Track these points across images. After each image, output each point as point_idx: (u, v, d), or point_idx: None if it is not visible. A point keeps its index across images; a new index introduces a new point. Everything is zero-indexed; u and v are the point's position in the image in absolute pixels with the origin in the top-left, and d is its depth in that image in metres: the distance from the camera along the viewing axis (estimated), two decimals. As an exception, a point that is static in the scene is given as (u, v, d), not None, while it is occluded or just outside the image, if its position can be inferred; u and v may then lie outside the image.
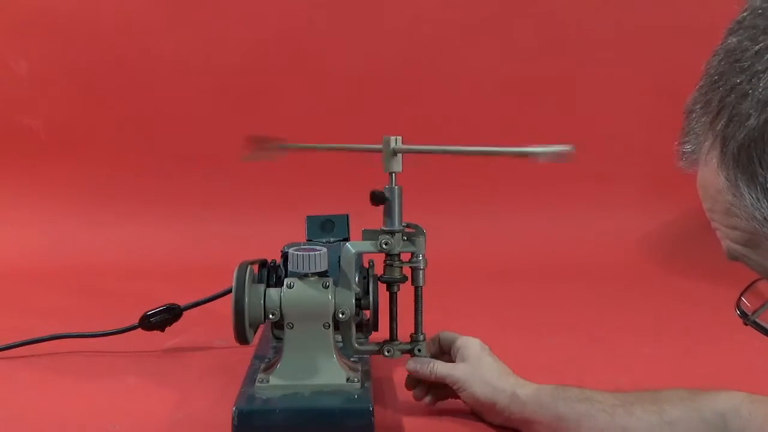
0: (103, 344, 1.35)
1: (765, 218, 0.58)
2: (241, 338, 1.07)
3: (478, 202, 2.10)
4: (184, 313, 1.32)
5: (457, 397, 1.12)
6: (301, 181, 2.02)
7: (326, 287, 1.05)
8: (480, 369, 1.06)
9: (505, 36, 2.14)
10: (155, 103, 2.10)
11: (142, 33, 2.10)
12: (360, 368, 1.10)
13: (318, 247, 1.07)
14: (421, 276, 1.07)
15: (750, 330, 0.68)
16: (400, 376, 1.17)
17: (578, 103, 2.15)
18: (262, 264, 1.14)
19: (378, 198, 1.03)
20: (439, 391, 1.12)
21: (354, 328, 1.08)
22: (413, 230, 1.06)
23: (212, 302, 1.31)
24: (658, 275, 1.92)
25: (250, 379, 1.08)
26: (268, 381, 1.06)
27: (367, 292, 1.09)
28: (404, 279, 1.07)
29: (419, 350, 1.09)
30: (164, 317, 1.31)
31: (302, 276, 1.06)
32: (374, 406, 1.03)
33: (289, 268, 1.06)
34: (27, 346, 1.35)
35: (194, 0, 2.13)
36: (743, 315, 0.67)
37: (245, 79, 2.11)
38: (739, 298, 0.67)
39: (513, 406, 1.03)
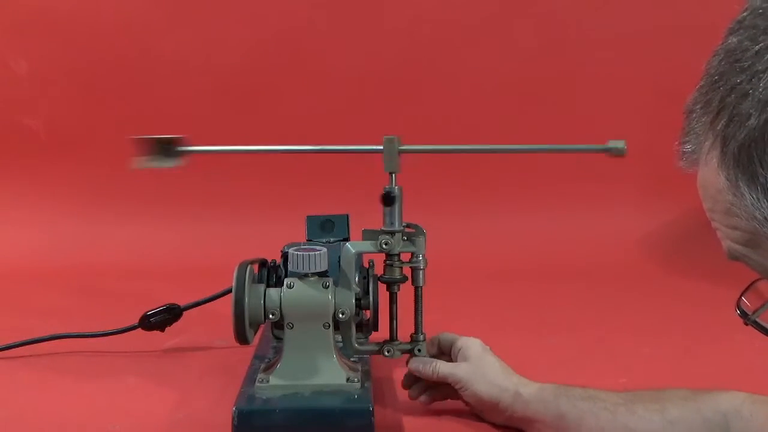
0: (103, 344, 1.35)
1: (765, 218, 0.57)
2: (241, 338, 1.07)
3: (478, 202, 2.10)
4: (184, 313, 1.32)
5: (456, 397, 1.12)
6: (301, 181, 2.02)
7: (326, 287, 1.05)
8: (483, 368, 1.06)
9: (505, 36, 2.14)
10: (155, 103, 2.10)
11: (142, 33, 2.10)
12: (360, 368, 1.10)
13: (318, 247, 1.07)
14: (421, 276, 1.07)
15: (750, 330, 0.68)
16: (400, 376, 1.17)
17: (578, 103, 2.14)
18: (262, 264, 1.14)
19: (389, 198, 1.03)
20: (437, 391, 1.12)
21: (354, 328, 1.08)
22: (413, 230, 1.06)
23: (212, 302, 1.31)
24: (658, 275, 1.92)
25: (250, 379, 1.08)
26: (268, 381, 1.06)
27: (367, 292, 1.10)
28: (404, 279, 1.07)
29: (419, 350, 1.09)
30: (164, 317, 1.31)
31: (302, 276, 1.06)
32: (374, 406, 1.03)
33: (289, 268, 1.06)
34: (27, 346, 1.35)
35: (194, 0, 2.13)
36: (743, 315, 0.67)
37: (245, 79, 2.11)
38: (740, 298, 0.67)
39: (516, 405, 1.03)
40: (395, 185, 1.04)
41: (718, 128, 0.58)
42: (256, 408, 1.02)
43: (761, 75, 0.56)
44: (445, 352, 1.12)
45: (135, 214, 2.05)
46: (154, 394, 1.20)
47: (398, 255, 1.06)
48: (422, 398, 1.13)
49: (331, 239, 1.20)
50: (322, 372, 1.06)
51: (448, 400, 1.13)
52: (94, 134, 2.11)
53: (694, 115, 0.62)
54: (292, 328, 1.06)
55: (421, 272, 1.07)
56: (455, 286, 1.70)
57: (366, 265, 1.13)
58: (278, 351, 1.12)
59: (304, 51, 2.12)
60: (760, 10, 0.58)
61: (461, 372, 1.07)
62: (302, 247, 1.09)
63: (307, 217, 1.23)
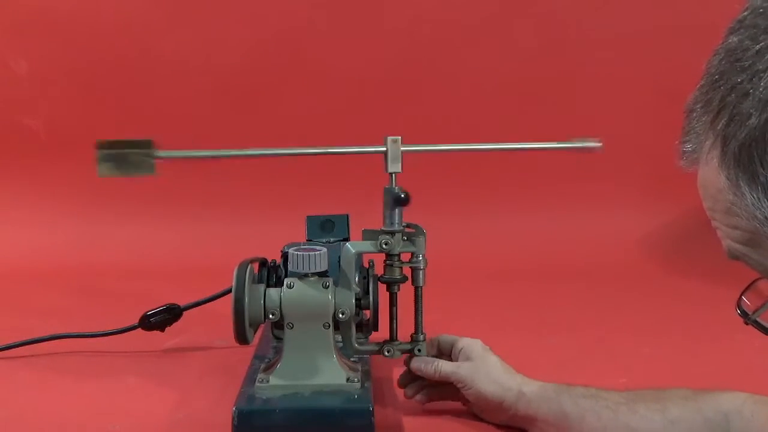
0: (103, 344, 1.35)
1: (766, 217, 0.58)
2: (241, 338, 1.07)
3: (478, 202, 2.10)
4: (184, 313, 1.32)
5: (453, 398, 1.12)
6: (301, 181, 2.02)
7: (326, 287, 1.05)
8: (486, 367, 1.06)
9: (505, 36, 2.14)
10: (155, 103, 2.10)
11: (142, 33, 2.10)
12: (360, 368, 1.10)
13: (318, 247, 1.07)
14: (421, 276, 1.07)
15: (750, 329, 0.68)
16: (400, 376, 1.17)
17: (578, 103, 2.14)
18: (262, 264, 1.14)
19: (407, 199, 1.03)
20: (434, 391, 1.12)
21: (354, 328, 1.08)
22: (413, 230, 1.06)
23: (212, 302, 1.31)
24: (658, 275, 1.92)
25: (250, 379, 1.08)
26: (268, 381, 1.06)
27: (367, 292, 1.09)
28: (404, 279, 1.07)
29: (419, 350, 1.09)
30: (164, 317, 1.31)
31: (302, 276, 1.06)
32: (374, 406, 1.03)
33: (289, 268, 1.06)
34: (27, 346, 1.35)
35: (194, 0, 2.13)
36: (744, 314, 0.67)
37: (245, 79, 2.11)
38: (740, 298, 0.68)
39: (519, 404, 1.03)
40: (395, 185, 1.04)
41: (719, 128, 0.59)
42: (256, 408, 1.02)
43: (762, 74, 0.56)
44: (445, 353, 1.12)
45: (135, 214, 2.05)
46: (154, 394, 1.20)
47: (398, 255, 1.06)
48: (418, 397, 1.13)
49: (331, 239, 1.20)
50: (322, 372, 1.06)
51: (448, 399, 1.13)
52: (94, 134, 2.08)
53: (694, 115, 0.62)
54: (292, 328, 1.06)
55: (421, 272, 1.07)
56: (455, 286, 1.70)
57: (366, 265, 1.13)
58: (278, 351, 1.12)
59: (304, 51, 2.11)
60: (761, 10, 0.58)
61: (464, 371, 1.07)
62: (302, 247, 1.08)
63: (307, 217, 1.23)
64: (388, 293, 1.08)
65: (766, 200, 0.57)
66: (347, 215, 1.23)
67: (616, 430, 0.95)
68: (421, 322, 1.09)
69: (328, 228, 1.22)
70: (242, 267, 1.07)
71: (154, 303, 1.32)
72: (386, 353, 1.09)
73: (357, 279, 1.07)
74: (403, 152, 1.04)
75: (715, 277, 1.47)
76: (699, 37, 0.92)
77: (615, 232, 2.04)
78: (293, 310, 1.05)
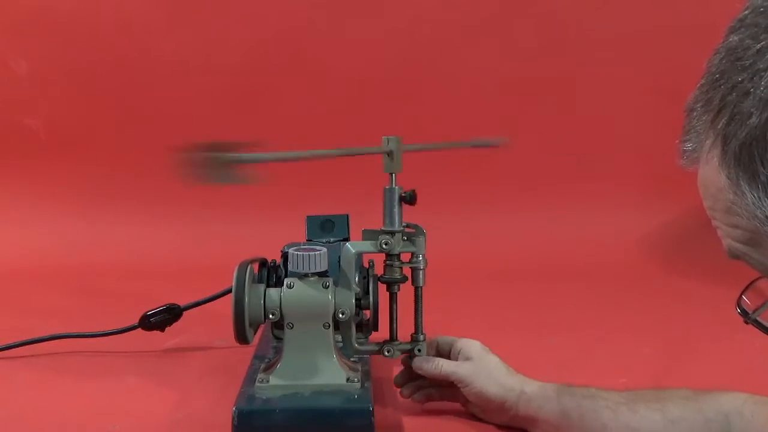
0: (103, 344, 1.35)
1: (766, 217, 0.57)
2: (241, 338, 1.07)
3: (478, 202, 2.10)
4: (184, 313, 1.32)
5: (451, 398, 1.12)
6: (301, 181, 2.02)
7: (326, 287, 1.05)
8: (487, 367, 1.06)
9: (505, 36, 2.14)
10: (155, 103, 2.10)
11: (142, 33, 2.10)
12: (360, 368, 1.10)
13: (318, 247, 1.07)
14: (421, 276, 1.07)
15: (750, 329, 0.68)
16: (400, 376, 1.17)
17: (578, 103, 2.14)
18: (262, 264, 1.14)
19: (414, 198, 1.03)
20: (433, 391, 1.12)
21: (354, 328, 1.08)
22: (413, 230, 1.06)
23: (212, 302, 1.31)
24: (658, 275, 1.92)
25: (250, 379, 1.08)
26: (268, 381, 1.06)
27: (367, 292, 1.09)
28: (404, 279, 1.07)
29: (419, 350, 1.09)
30: (164, 317, 1.31)
31: (302, 276, 1.06)
32: (374, 406, 1.03)
33: (289, 268, 1.06)
34: (27, 346, 1.35)
35: (194, 0, 2.13)
36: (744, 313, 0.67)
37: (245, 79, 2.11)
38: (740, 297, 0.68)
39: (520, 404, 1.03)
40: (395, 185, 1.04)
41: (719, 127, 0.58)
42: (256, 408, 1.02)
43: (762, 73, 0.56)
44: (444, 354, 1.12)
45: (135, 214, 2.05)
46: (154, 394, 1.20)
47: (398, 255, 1.06)
48: (415, 397, 1.13)
49: (331, 239, 1.20)
50: (322, 372, 1.06)
51: (445, 400, 1.13)
52: (94, 134, 2.11)
53: (694, 114, 0.62)
54: (292, 328, 1.06)
55: (421, 272, 1.07)
56: (455, 286, 1.70)
57: (366, 265, 1.13)
58: (278, 351, 1.12)
59: (304, 51, 2.11)
60: (762, 9, 0.58)
61: (465, 370, 1.07)
62: (302, 247, 1.08)
63: (307, 217, 1.23)
64: (388, 293, 1.08)
65: (766, 199, 0.57)
66: (347, 215, 1.23)
67: (617, 430, 0.95)
68: (421, 322, 1.09)
69: (328, 228, 1.22)
70: (242, 267, 1.07)
71: (154, 303, 1.32)
72: (386, 353, 1.09)
73: (357, 279, 1.07)
74: (403, 152, 1.04)
75: (715, 277, 1.47)
76: (699, 37, 0.92)
77: (615, 232, 2.04)
78: (293, 310, 1.05)
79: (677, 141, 0.64)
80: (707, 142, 0.60)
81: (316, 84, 2.12)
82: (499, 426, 1.08)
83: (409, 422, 1.11)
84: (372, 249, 1.05)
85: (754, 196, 0.57)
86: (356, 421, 1.01)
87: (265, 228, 1.90)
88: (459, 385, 1.07)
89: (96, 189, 2.09)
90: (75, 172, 2.09)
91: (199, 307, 1.32)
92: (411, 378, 1.13)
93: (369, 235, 1.06)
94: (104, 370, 1.30)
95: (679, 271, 1.92)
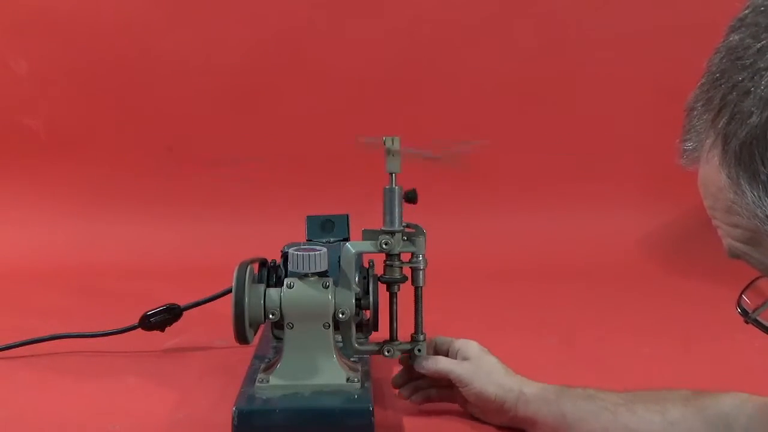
0: (103, 344, 1.35)
1: (767, 216, 0.57)
2: (241, 338, 1.06)
3: (478, 202, 2.10)
4: (184, 313, 1.32)
5: (450, 399, 1.12)
6: (301, 181, 2.02)
7: (326, 287, 1.05)
8: (486, 367, 1.06)
9: (505, 36, 2.14)
10: (155, 103, 2.10)
11: (142, 33, 2.10)
12: (360, 368, 1.10)
13: (318, 247, 1.07)
14: (421, 276, 1.07)
15: (751, 329, 0.68)
16: (400, 376, 1.17)
17: (578, 103, 2.14)
18: (262, 264, 1.14)
19: (415, 196, 1.03)
20: (432, 392, 1.12)
21: (354, 328, 1.08)
22: (413, 230, 1.06)
23: (212, 302, 1.31)
24: (658, 275, 1.92)
25: (250, 379, 1.08)
26: (268, 381, 1.06)
27: (367, 292, 1.09)
28: (404, 279, 1.07)
29: (419, 350, 1.09)
30: (164, 317, 1.31)
31: (302, 276, 1.05)
32: (374, 406, 1.03)
33: (289, 268, 1.06)
34: (27, 346, 1.35)
35: (194, 0, 2.13)
36: (744, 313, 0.67)
37: (245, 79, 2.11)
38: (740, 296, 0.67)
39: (519, 405, 1.03)
40: (395, 185, 1.04)
41: (720, 126, 0.58)
42: (256, 408, 1.02)
43: (763, 72, 0.56)
44: (441, 355, 1.12)
45: (135, 214, 2.05)
46: (154, 394, 1.20)
47: (398, 255, 1.06)
48: (414, 398, 1.13)
49: (331, 239, 1.20)
50: (322, 372, 1.06)
51: (444, 401, 1.13)
52: (94, 134, 2.11)
53: (695, 113, 0.62)
54: (292, 328, 1.06)
55: (421, 272, 1.07)
56: (455, 286, 1.70)
57: (366, 265, 1.13)
58: (278, 351, 1.12)
59: (304, 51, 2.11)
60: (762, 8, 0.58)
61: (464, 370, 1.06)
62: (302, 247, 1.08)
63: (307, 217, 1.23)
64: (388, 293, 1.08)
65: (766, 198, 0.57)
66: (347, 215, 1.23)
67: None
68: (421, 322, 1.09)
69: (328, 228, 1.22)
70: (242, 267, 1.07)
71: (154, 303, 1.32)
72: (386, 353, 1.09)
73: (357, 279, 1.07)
74: (402, 152, 1.04)
75: (715, 277, 1.47)
76: (699, 37, 0.92)
77: (615, 232, 2.04)
78: (293, 310, 1.05)
79: (677, 141, 0.64)
80: (707, 141, 0.60)
81: (316, 84, 2.11)
82: (498, 427, 1.08)
83: (409, 422, 1.11)
84: (372, 249, 1.05)
85: (754, 195, 0.57)
86: (356, 421, 1.01)
87: (265, 228, 1.89)
88: (458, 385, 1.07)
89: (96, 189, 2.09)
90: (75, 172, 2.09)
91: (199, 307, 1.32)
92: (410, 379, 1.13)
93: (369, 235, 1.06)
94: (104, 370, 1.30)
95: (679, 271, 1.92)
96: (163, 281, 1.75)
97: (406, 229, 1.06)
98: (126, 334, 1.33)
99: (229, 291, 1.08)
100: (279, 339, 1.13)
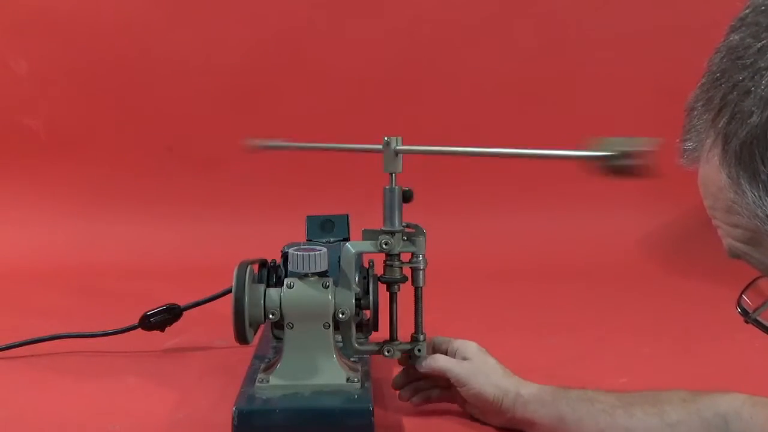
0: (103, 344, 1.35)
1: (767, 216, 0.57)
2: (241, 338, 1.06)
3: (478, 202, 2.10)
4: (184, 313, 1.32)
5: (450, 400, 1.12)
6: (301, 181, 2.02)
7: (326, 287, 1.05)
8: (484, 368, 1.06)
9: (505, 36, 2.14)
10: (155, 103, 2.10)
11: (142, 33, 2.10)
12: (360, 368, 1.10)
13: (318, 247, 1.07)
14: (421, 276, 1.07)
15: (751, 329, 0.68)
16: (399, 377, 1.17)
17: (578, 103, 2.14)
18: (262, 264, 1.14)
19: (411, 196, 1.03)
20: (430, 392, 1.12)
21: (354, 328, 1.08)
22: (413, 230, 1.06)
23: (212, 302, 1.31)
24: (658, 275, 1.92)
25: (250, 379, 1.08)
26: (268, 381, 1.05)
27: (367, 292, 1.09)
28: (404, 279, 1.07)
29: (419, 350, 1.09)
30: (164, 317, 1.31)
31: (302, 276, 1.05)
32: (374, 406, 1.02)
33: (289, 268, 1.06)
34: (27, 346, 1.35)
35: (194, 0, 2.13)
36: (744, 313, 0.67)
37: (245, 79, 2.11)
38: (740, 296, 0.67)
39: (517, 407, 1.03)
40: (395, 185, 1.04)
41: (720, 126, 0.58)
42: (256, 408, 1.02)
43: (764, 72, 0.56)
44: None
45: (135, 214, 2.05)
46: (154, 394, 1.20)
47: (398, 255, 1.06)
48: (414, 399, 1.13)
49: (331, 239, 1.20)
50: (322, 372, 1.06)
51: (444, 401, 1.13)
52: (94, 134, 2.12)
53: (695, 113, 0.62)
54: (292, 328, 1.06)
55: (421, 272, 1.07)
56: (455, 286, 1.70)
57: (366, 265, 1.13)
58: (278, 351, 1.12)
59: (304, 51, 2.12)
60: (763, 8, 0.58)
61: (462, 369, 1.06)
62: (302, 247, 1.08)
63: (307, 217, 1.23)
64: (388, 293, 1.08)
65: (767, 198, 0.57)
66: (347, 215, 1.23)
67: None
68: (421, 322, 1.09)
69: (328, 228, 1.22)
70: (242, 267, 1.07)
71: (154, 303, 1.32)
72: (386, 353, 1.09)
73: (357, 279, 1.07)
74: (401, 152, 1.03)
75: (715, 277, 1.46)
76: (699, 37, 0.92)
77: (615, 232, 2.04)
78: (293, 310, 1.05)
79: (677, 140, 0.64)
80: (708, 141, 0.60)
81: (316, 84, 2.12)
82: (498, 427, 1.08)
83: (409, 422, 1.11)
84: (372, 249, 1.05)
85: (754, 195, 0.57)
86: (356, 421, 1.01)
87: (265, 228, 1.90)
88: (456, 385, 1.07)
89: (96, 189, 2.09)
90: (75, 172, 2.09)
91: (199, 307, 1.32)
92: (410, 380, 1.13)
93: (369, 235, 1.06)
94: (104, 370, 1.30)
95: (679, 271, 1.92)
96: (163, 281, 1.75)
97: (406, 229, 1.06)
98: (126, 334, 1.33)
99: (229, 291, 1.08)
100: (279, 339, 1.13)
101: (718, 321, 1.16)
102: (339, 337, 1.08)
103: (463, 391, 1.06)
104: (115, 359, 1.34)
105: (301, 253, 1.05)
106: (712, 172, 0.60)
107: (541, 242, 2.03)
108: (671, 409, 0.93)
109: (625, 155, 0.80)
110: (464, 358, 1.08)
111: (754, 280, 0.67)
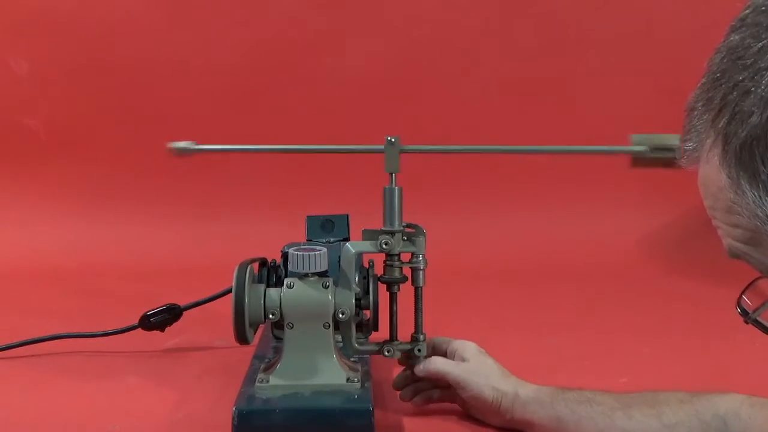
0: (103, 344, 1.35)
1: (767, 216, 0.57)
2: (241, 338, 1.06)
3: (478, 202, 2.10)
4: (184, 313, 1.32)
5: (450, 400, 1.12)
6: (301, 181, 2.02)
7: (326, 287, 1.05)
8: (483, 369, 1.06)
9: (505, 36, 2.14)
10: (155, 103, 2.10)
11: (142, 33, 2.10)
12: (360, 368, 1.10)
13: (318, 247, 1.07)
14: (421, 276, 1.07)
15: (751, 329, 0.68)
16: (399, 377, 1.17)
17: (578, 103, 2.14)
18: (262, 264, 1.14)
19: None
20: (430, 393, 1.12)
21: (354, 328, 1.08)
22: (413, 230, 1.06)
23: (212, 302, 1.31)
24: (658, 275, 1.92)
25: (250, 379, 1.08)
26: (268, 381, 1.05)
27: (367, 292, 1.09)
28: (404, 279, 1.07)
29: (419, 350, 1.09)
30: (164, 317, 1.31)
31: (302, 276, 1.05)
32: (374, 407, 1.02)
33: (289, 268, 1.06)
34: (27, 346, 1.34)
35: (194, 0, 2.13)
36: (744, 313, 0.67)
37: (245, 79, 2.11)
38: (740, 296, 0.67)
39: (516, 408, 1.03)
40: (395, 185, 1.04)
41: (720, 126, 0.58)
42: (256, 408, 1.02)
43: (764, 72, 0.56)
44: (439, 355, 1.12)
45: (135, 214, 2.05)
46: (154, 394, 1.20)
47: (398, 255, 1.06)
48: (415, 400, 1.12)
49: (331, 239, 1.20)
50: (322, 372, 1.06)
51: (444, 401, 1.13)
52: (94, 134, 2.11)
53: (695, 113, 0.62)
54: (292, 328, 1.06)
55: (421, 272, 1.07)
56: (455, 286, 1.70)
57: (366, 265, 1.13)
58: (278, 351, 1.12)
59: (304, 51, 2.11)
60: (763, 8, 0.58)
61: (461, 371, 1.06)
62: (302, 247, 1.08)
63: (307, 217, 1.23)
64: (388, 293, 1.08)
65: (767, 198, 0.57)
66: (347, 215, 1.23)
67: None
68: (421, 322, 1.09)
69: (328, 228, 1.22)
70: (242, 267, 1.07)
71: (154, 303, 1.32)
72: (386, 353, 1.09)
73: (357, 279, 1.07)
74: (402, 152, 1.04)
75: (715, 277, 1.47)
76: (699, 37, 0.92)
77: (615, 232, 2.04)
78: (293, 310, 1.05)
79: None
80: (708, 141, 0.60)
81: (316, 84, 2.12)
82: (498, 428, 1.08)
83: (409, 423, 1.11)
84: (372, 249, 1.05)
85: (754, 195, 0.57)
86: (356, 421, 1.01)
87: (265, 228, 1.89)
88: (455, 387, 1.07)
89: (96, 189, 2.09)
90: (75, 172, 2.09)
91: (199, 307, 1.32)
92: (410, 380, 1.12)
93: (369, 235, 1.06)
94: (104, 370, 1.30)
95: (679, 271, 1.92)
96: (163, 281, 1.75)
97: (406, 229, 1.06)
98: (126, 334, 1.33)
99: (229, 291, 1.08)
100: (279, 339, 1.13)
101: (718, 321, 1.16)
102: (339, 337, 1.08)
103: (461, 392, 1.06)
104: (115, 359, 1.34)
105: (301, 253, 1.05)
106: (712, 172, 0.60)
107: (541, 242, 2.03)
108: (669, 411, 0.93)
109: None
110: (463, 359, 1.08)
111: (754, 281, 0.67)
